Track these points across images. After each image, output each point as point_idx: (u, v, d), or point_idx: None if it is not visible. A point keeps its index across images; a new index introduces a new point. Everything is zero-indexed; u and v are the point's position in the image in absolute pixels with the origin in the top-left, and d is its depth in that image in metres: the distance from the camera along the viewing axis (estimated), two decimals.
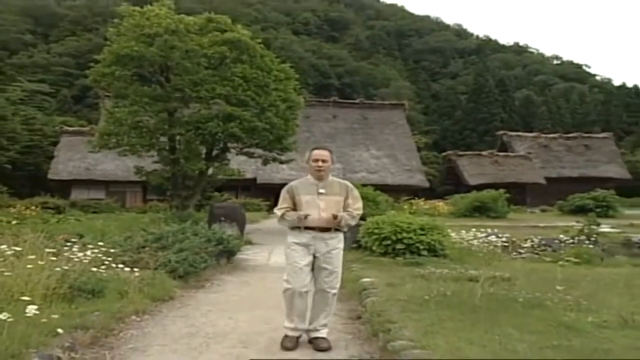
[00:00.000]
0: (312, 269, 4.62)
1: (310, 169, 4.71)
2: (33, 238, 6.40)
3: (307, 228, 4.54)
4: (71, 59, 61.74)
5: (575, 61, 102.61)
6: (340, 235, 4.69)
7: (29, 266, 5.21)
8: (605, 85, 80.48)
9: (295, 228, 4.61)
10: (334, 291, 4.66)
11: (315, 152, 4.70)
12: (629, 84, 74.84)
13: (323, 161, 4.63)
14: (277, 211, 4.69)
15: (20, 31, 67.04)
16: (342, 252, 4.69)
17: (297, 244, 4.57)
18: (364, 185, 18.46)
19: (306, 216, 4.48)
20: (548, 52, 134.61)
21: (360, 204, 4.76)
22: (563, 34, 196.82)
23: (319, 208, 4.53)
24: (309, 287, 4.59)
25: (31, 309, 3.93)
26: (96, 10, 70.58)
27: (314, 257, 4.57)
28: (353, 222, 4.73)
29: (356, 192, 4.78)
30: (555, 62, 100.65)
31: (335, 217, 4.49)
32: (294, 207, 4.61)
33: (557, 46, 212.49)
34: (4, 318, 3.77)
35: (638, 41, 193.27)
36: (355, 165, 34.36)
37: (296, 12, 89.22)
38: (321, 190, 4.58)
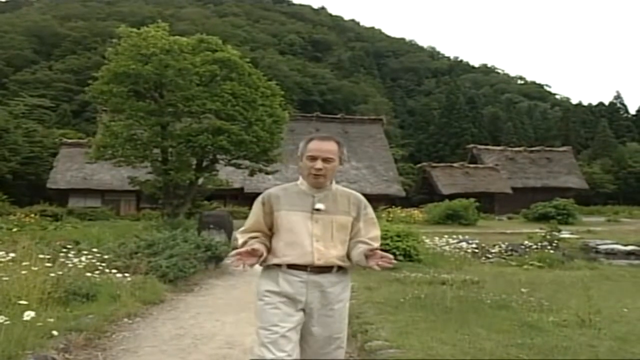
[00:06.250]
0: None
1: (303, 170, 2.64)
2: (31, 244, 6.29)
3: (293, 267, 2.52)
4: (71, 75, 61.06)
5: (538, 81, 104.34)
6: (347, 278, 2.65)
7: (24, 272, 5.11)
8: (564, 104, 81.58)
9: (271, 266, 2.58)
10: None
11: (315, 144, 2.62)
12: (585, 103, 76.25)
13: (325, 160, 2.59)
14: (239, 236, 2.67)
15: (24, 49, 66.32)
16: (348, 304, 2.66)
17: (275, 293, 2.52)
18: None
19: (255, 255, 2.49)
20: (513, 73, 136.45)
21: (377, 232, 2.69)
22: (527, 57, 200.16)
23: (311, 234, 2.52)
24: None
25: (28, 314, 3.84)
26: (96, 31, 69.93)
27: (303, 311, 2.53)
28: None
29: (371, 212, 2.72)
30: (519, 82, 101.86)
31: (371, 255, 2.43)
32: (270, 230, 2.61)
33: (522, 67, 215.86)
34: (1, 321, 3.68)
35: (592, 64, 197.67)
36: (336, 175, 34.17)
37: (282, 34, 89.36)
38: (318, 206, 2.56)
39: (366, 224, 2.65)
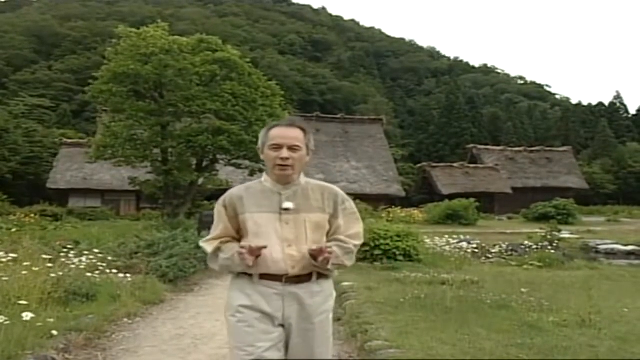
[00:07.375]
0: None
1: (267, 163, 2.32)
2: (31, 245, 6.29)
3: (266, 277, 2.20)
4: (71, 75, 61.08)
5: (538, 81, 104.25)
6: (329, 286, 2.33)
7: (24, 272, 5.11)
8: (564, 104, 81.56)
9: (241, 275, 2.26)
10: None
11: (277, 130, 2.29)
12: (585, 103, 76.29)
13: (291, 148, 2.26)
14: (205, 245, 2.33)
15: (24, 49, 66.36)
16: (331, 316, 2.33)
17: (249, 308, 2.20)
18: None
19: (257, 254, 2.14)
20: (513, 73, 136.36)
21: (359, 228, 2.38)
22: (527, 57, 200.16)
23: (282, 239, 2.20)
24: None
25: (27, 314, 3.84)
26: (96, 31, 69.97)
27: (281, 326, 2.23)
28: (349, 262, 2.29)
29: (351, 206, 2.38)
30: (519, 82, 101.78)
31: (316, 253, 2.14)
32: (238, 235, 2.30)
33: (522, 68, 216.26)
34: (1, 321, 3.68)
35: (592, 64, 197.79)
36: (336, 175, 34.39)
37: (282, 34, 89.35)
38: (287, 205, 2.23)
39: (347, 219, 2.32)
